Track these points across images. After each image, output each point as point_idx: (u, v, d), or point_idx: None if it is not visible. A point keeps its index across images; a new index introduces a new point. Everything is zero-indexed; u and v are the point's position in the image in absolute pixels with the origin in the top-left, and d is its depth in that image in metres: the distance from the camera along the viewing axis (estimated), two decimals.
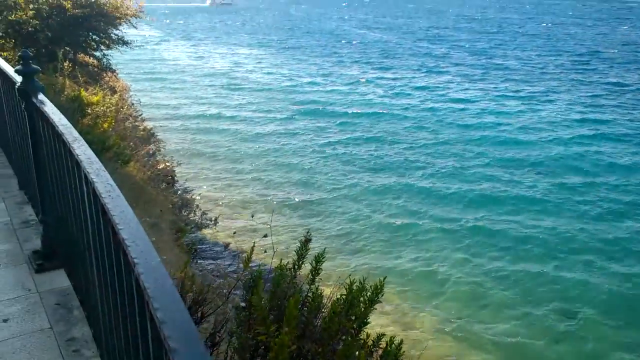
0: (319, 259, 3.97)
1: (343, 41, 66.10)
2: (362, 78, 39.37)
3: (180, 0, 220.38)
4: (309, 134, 25.40)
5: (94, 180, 2.36)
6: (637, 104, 30.36)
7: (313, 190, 18.90)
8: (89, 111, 10.05)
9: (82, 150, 2.72)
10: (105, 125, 9.92)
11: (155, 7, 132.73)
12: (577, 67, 42.72)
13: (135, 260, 1.73)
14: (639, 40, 60.93)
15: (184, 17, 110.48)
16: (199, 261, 11.37)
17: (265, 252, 10.09)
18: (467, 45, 58.79)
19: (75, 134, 2.97)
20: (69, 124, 3.16)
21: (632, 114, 28.11)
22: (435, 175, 20.01)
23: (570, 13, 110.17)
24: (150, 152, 15.32)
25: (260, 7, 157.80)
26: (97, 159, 2.60)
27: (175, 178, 16.21)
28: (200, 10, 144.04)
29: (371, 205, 17.56)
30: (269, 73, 41.56)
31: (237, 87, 36.11)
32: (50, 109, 3.51)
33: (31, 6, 12.06)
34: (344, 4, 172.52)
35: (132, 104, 17.33)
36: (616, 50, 52.02)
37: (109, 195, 2.20)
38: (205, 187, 19.10)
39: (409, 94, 33.69)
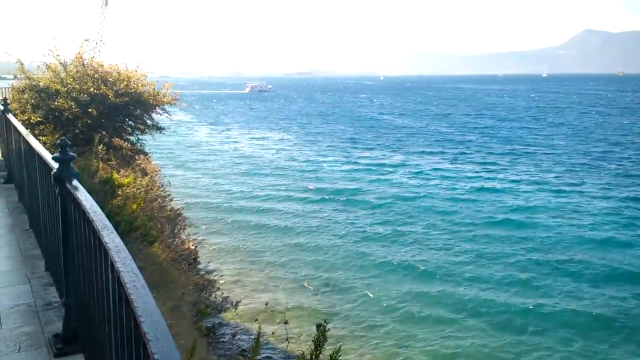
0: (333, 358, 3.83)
1: (366, 126, 67.96)
2: (384, 162, 39.97)
3: (221, 87, 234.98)
4: (330, 217, 25.50)
5: (120, 269, 2.40)
6: None
7: (332, 272, 18.68)
8: (120, 192, 10.34)
9: (110, 238, 2.78)
10: (134, 207, 10.15)
11: (188, 94, 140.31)
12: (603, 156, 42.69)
13: (156, 357, 1.72)
14: None
15: (217, 103, 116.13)
16: (216, 344, 11.11)
17: (285, 339, 9.84)
18: (491, 132, 59.61)
19: (105, 221, 3.05)
20: (100, 211, 3.25)
21: None
22: (454, 263, 19.60)
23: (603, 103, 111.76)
24: (176, 231, 15.48)
25: (293, 94, 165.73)
26: (124, 247, 2.65)
27: (198, 258, 16.23)
28: (234, 96, 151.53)
29: (388, 291, 17.17)
30: (291, 157, 42.63)
31: (261, 170, 36.99)
32: (83, 196, 3.64)
33: (73, 94, 12.78)
34: (364, 94, 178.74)
35: (162, 185, 17.80)
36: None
37: (134, 286, 2.22)
38: (227, 266, 19.06)
39: (428, 179, 33.91)
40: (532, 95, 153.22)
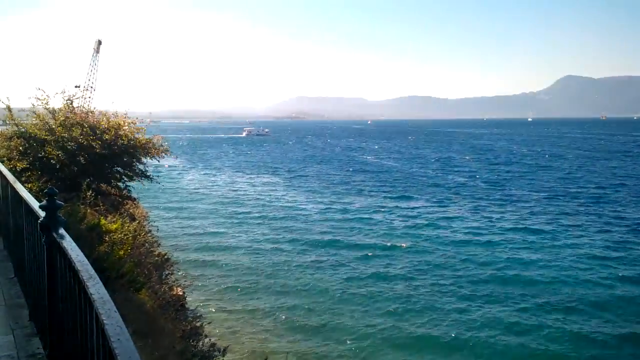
0: None
1: (354, 169, 68.48)
2: (371, 207, 40.05)
3: (221, 132, 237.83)
4: (318, 260, 25.28)
5: (105, 322, 2.38)
6: None
7: (322, 317, 18.44)
8: (107, 238, 10.23)
9: (96, 289, 2.76)
10: (122, 253, 10.02)
11: (175, 139, 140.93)
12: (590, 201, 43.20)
13: None
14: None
15: (209, 148, 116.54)
16: None
17: None
18: (477, 176, 60.25)
19: (92, 271, 3.04)
20: (86, 261, 3.24)
21: None
22: (442, 318, 19.42)
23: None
24: (163, 277, 15.25)
25: (289, 139, 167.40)
26: (110, 299, 2.63)
27: (186, 304, 15.95)
28: (231, 140, 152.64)
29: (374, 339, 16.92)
30: (281, 202, 42.49)
31: (251, 214, 36.77)
32: (70, 245, 3.62)
33: (61, 143, 12.76)
34: (352, 138, 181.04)
35: (150, 230, 17.65)
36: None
37: (118, 339, 2.20)
38: (216, 311, 18.73)
39: (418, 224, 33.86)
40: (516, 140, 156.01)
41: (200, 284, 21.81)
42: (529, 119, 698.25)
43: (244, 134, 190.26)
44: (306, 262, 24.80)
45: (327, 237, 29.54)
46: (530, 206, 38.89)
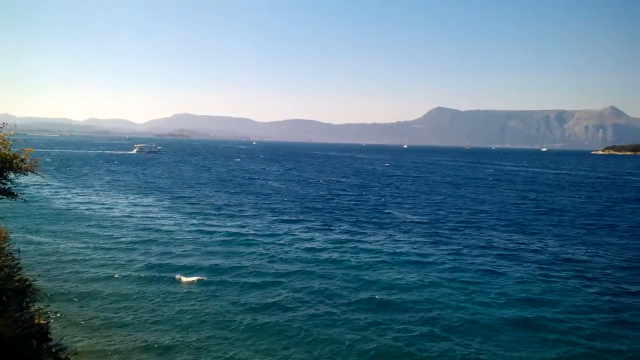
0: None
1: (236, 191, 67.99)
2: (258, 230, 40.03)
3: (103, 147, 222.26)
4: (190, 291, 24.37)
5: None
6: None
7: (194, 351, 17.99)
8: None
9: None
10: None
11: (44, 152, 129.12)
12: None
13: None
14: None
15: (87, 165, 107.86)
16: None
17: None
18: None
19: None
20: None
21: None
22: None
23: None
24: (24, 304, 13.98)
25: (175, 155, 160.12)
26: None
27: (50, 334, 14.73)
28: (113, 157, 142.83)
29: None
30: (160, 225, 40.52)
31: (124, 239, 34.16)
32: None
33: None
34: (238, 158, 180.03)
35: (10, 252, 16.09)
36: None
37: None
38: (81, 341, 17.48)
39: (294, 247, 34.53)
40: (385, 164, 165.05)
41: (65, 312, 20.18)
42: (405, 146, 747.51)
43: (134, 151, 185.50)
44: (181, 291, 23.73)
45: (206, 263, 28.58)
46: (399, 230, 41.54)
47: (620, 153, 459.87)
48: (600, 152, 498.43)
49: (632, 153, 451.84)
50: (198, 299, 22.60)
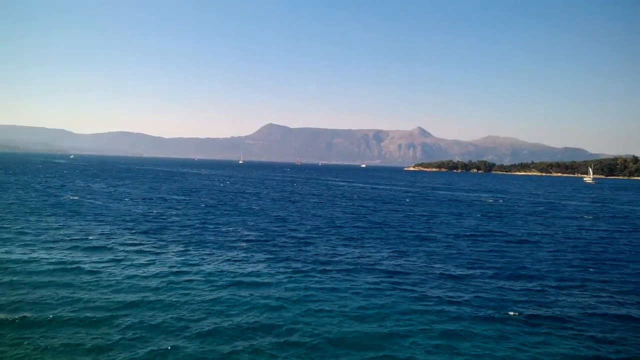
0: None
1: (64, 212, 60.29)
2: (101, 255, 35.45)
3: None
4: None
5: None
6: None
7: None
8: None
9: None
10: None
11: None
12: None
13: None
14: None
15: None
16: None
17: None
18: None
19: None
20: None
21: None
22: None
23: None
24: None
25: None
26: None
27: None
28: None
29: None
30: None
31: None
32: None
33: None
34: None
35: None
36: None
37: None
38: None
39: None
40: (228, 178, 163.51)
41: None
42: (240, 162, 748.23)
43: None
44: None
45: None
46: (243, 248, 40.48)
47: (428, 169, 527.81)
48: (412, 168, 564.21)
49: (437, 169, 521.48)
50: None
